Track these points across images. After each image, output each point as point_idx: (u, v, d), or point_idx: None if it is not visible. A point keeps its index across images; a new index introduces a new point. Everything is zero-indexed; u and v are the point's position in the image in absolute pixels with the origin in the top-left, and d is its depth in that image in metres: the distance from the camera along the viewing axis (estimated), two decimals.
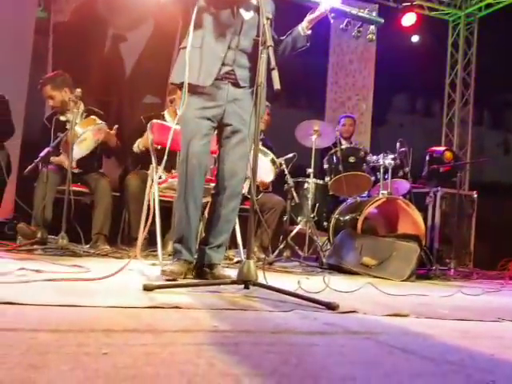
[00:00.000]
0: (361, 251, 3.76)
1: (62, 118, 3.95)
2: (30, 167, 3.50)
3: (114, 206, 3.94)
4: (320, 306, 1.76)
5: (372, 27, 2.52)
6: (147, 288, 1.86)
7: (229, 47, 2.36)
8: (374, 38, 2.54)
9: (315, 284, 2.30)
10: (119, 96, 5.80)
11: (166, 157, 2.44)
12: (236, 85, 2.41)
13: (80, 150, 3.67)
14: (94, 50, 5.63)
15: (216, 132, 2.51)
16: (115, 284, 1.99)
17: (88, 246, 3.67)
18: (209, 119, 2.39)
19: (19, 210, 4.27)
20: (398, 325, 1.61)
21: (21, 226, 3.48)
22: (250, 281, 1.92)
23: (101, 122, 3.69)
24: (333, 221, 4.46)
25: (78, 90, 3.81)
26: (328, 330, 1.46)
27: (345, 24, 2.53)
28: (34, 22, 5.36)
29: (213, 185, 2.60)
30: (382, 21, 2.53)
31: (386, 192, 4.27)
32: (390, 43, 6.58)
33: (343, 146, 4.77)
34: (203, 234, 2.58)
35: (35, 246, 3.26)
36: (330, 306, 1.75)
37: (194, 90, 2.35)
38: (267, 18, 2.06)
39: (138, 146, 4.00)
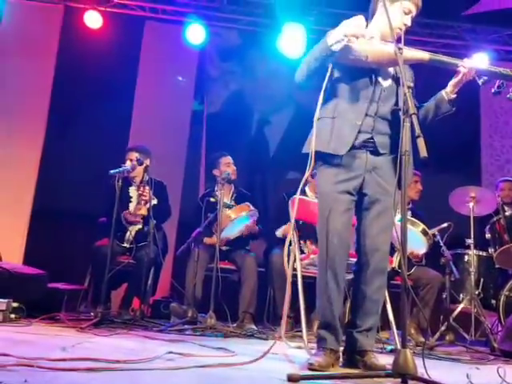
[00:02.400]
0: None
1: (212, 200, 4.16)
2: (182, 248, 3.71)
3: (260, 283, 3.94)
4: None
5: None
6: (292, 379, 1.70)
7: (366, 114, 2.27)
8: None
9: (488, 375, 1.95)
10: (263, 174, 6.05)
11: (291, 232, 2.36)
12: (375, 152, 2.28)
13: (232, 233, 3.85)
14: (241, 134, 6.03)
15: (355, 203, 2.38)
16: (259, 371, 1.90)
17: (235, 324, 3.67)
18: (348, 193, 2.27)
19: (174, 290, 4.48)
20: None
21: (173, 306, 3.62)
22: (409, 374, 1.68)
23: (253, 209, 3.83)
24: (502, 298, 3.91)
25: (226, 173, 4.04)
26: None
27: (496, 86, 2.32)
28: (191, 114, 5.92)
29: (354, 260, 2.41)
30: None
31: None
32: None
33: (507, 213, 4.27)
34: (349, 316, 2.39)
35: (185, 326, 3.33)
36: None
37: (330, 160, 2.27)
38: (408, 87, 1.96)
39: (280, 232, 4.04)
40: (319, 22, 5.57)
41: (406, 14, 2.30)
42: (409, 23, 2.33)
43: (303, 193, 4.01)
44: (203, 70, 6.08)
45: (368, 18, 2.40)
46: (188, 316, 3.47)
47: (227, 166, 4.27)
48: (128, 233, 4.04)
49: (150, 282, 3.92)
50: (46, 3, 5.62)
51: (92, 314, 3.39)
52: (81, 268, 4.28)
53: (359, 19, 2.19)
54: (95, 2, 5.52)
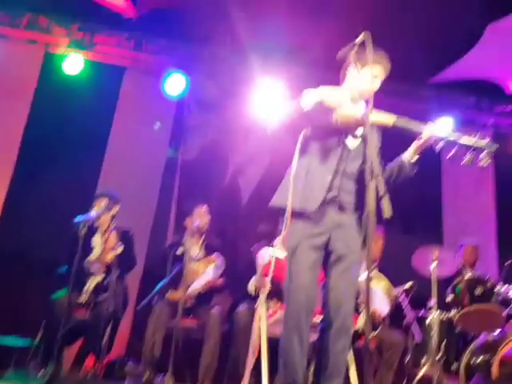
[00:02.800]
0: None
1: (180, 251, 4.08)
2: (143, 302, 3.60)
3: (223, 340, 3.84)
4: None
5: (484, 153, 2.39)
6: None
7: (334, 172, 2.35)
8: (487, 164, 2.40)
9: None
10: (235, 225, 6.03)
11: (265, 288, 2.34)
12: (341, 210, 2.36)
13: (197, 287, 3.78)
14: (215, 184, 6.03)
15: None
16: None
17: None
18: (316, 248, 2.31)
19: (132, 347, 4.30)
20: None
21: (129, 367, 3.47)
22: None
23: (220, 261, 3.83)
24: (463, 362, 3.91)
25: (197, 223, 4.00)
26: None
27: (454, 151, 2.42)
28: (165, 161, 5.91)
29: (320, 318, 2.40)
30: (496, 146, 2.41)
31: None
32: (509, 164, 6.24)
33: (467, 276, 4.35)
34: (313, 378, 2.35)
35: None
36: None
37: (299, 215, 2.31)
38: (376, 148, 2.05)
39: (251, 288, 3.97)
40: (294, 80, 5.75)
41: (375, 77, 2.43)
42: (377, 87, 2.46)
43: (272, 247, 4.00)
44: (180, 119, 6.13)
45: (339, 81, 2.53)
46: (144, 378, 3.32)
47: (201, 217, 4.22)
48: (87, 284, 3.91)
49: (106, 338, 3.76)
50: (27, 44, 5.60)
51: (42, 372, 3.21)
52: (34, 321, 4.08)
53: (333, 87, 2.32)
54: (76, 47, 5.54)
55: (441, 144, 2.39)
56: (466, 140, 2.37)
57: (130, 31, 5.62)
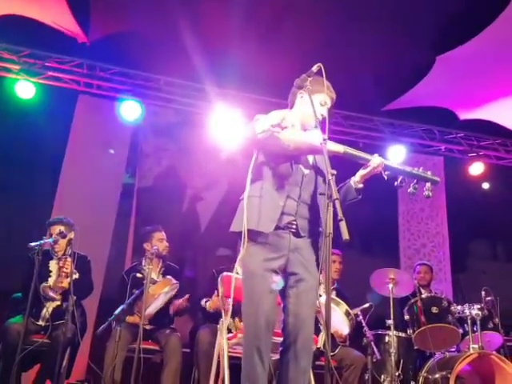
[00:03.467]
0: None
1: (139, 275, 4.06)
2: (103, 326, 3.53)
3: (184, 364, 3.79)
4: None
5: (428, 184, 2.51)
6: None
7: (288, 197, 2.39)
8: (431, 194, 2.51)
9: None
10: (194, 249, 6.01)
11: (228, 312, 2.35)
12: (296, 234, 2.40)
13: (152, 308, 3.75)
14: (172, 209, 6.02)
15: None
16: None
17: None
18: (275, 271, 2.33)
19: (91, 372, 4.18)
20: None
21: None
22: None
23: (175, 282, 3.79)
24: (421, 380, 4.02)
25: (155, 248, 4.00)
26: None
27: (399, 181, 2.54)
28: (121, 186, 5.88)
29: (280, 339, 2.41)
30: (439, 180, 2.54)
31: (476, 346, 3.87)
32: (460, 190, 6.54)
33: (423, 295, 4.49)
34: None
35: None
36: None
37: (256, 239, 2.34)
38: (332, 174, 2.10)
39: (207, 306, 3.98)
40: (249, 107, 5.88)
41: (322, 105, 2.52)
42: (325, 114, 2.53)
43: (234, 270, 4.01)
44: (136, 145, 6.12)
45: (287, 107, 2.61)
46: None
47: (160, 242, 4.21)
48: (44, 309, 3.80)
49: (65, 363, 3.65)
50: None
51: None
52: None
53: (284, 112, 2.38)
54: (28, 73, 5.50)
55: (388, 173, 2.51)
56: (411, 170, 2.50)
57: (83, 57, 5.62)
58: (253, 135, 2.31)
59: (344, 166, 2.44)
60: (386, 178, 2.51)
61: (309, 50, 4.67)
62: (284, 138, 2.29)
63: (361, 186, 2.49)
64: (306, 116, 2.50)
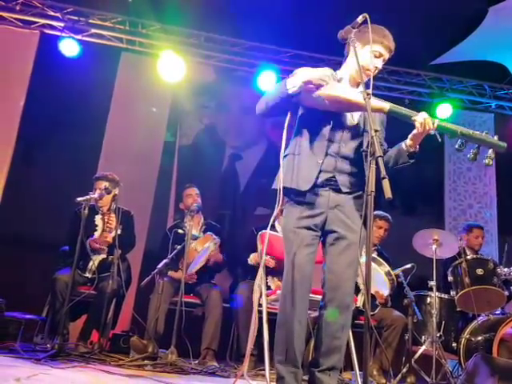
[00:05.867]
0: (499, 380, 3.22)
1: (180, 231, 4.14)
2: (146, 279, 3.63)
3: (224, 319, 3.88)
4: None
5: (490, 151, 2.25)
6: None
7: (327, 154, 2.32)
8: (492, 163, 2.27)
9: None
10: (233, 209, 6.06)
11: (261, 268, 2.35)
12: (338, 191, 2.33)
13: (197, 265, 3.82)
14: (212, 168, 6.06)
15: (321, 240, 2.39)
16: None
17: (197, 361, 3.59)
18: (310, 228, 2.30)
19: (136, 323, 4.36)
20: None
21: (133, 340, 3.51)
22: None
23: (216, 237, 3.82)
24: (463, 341, 3.95)
25: (195, 205, 4.04)
26: None
27: (458, 145, 2.29)
28: (163, 144, 5.94)
29: (319, 297, 2.41)
30: (505, 145, 2.22)
31: None
32: (510, 149, 6.22)
33: (468, 257, 4.37)
34: (313, 355, 2.36)
35: (145, 361, 3.24)
36: None
37: (294, 197, 2.31)
38: (375, 130, 2.00)
39: (251, 259, 4.03)
40: (292, 63, 5.74)
41: (376, 57, 2.36)
42: (379, 66, 2.39)
43: (273, 228, 4.02)
44: (177, 103, 6.13)
45: (329, 62, 2.49)
46: (148, 351, 3.37)
47: (188, 198, 4.28)
48: (91, 262, 3.94)
49: (110, 314, 3.81)
50: (21, 28, 5.60)
51: (48, 345, 3.26)
52: (39, 297, 4.14)
53: (324, 70, 2.27)
54: (72, 30, 5.54)
55: (440, 135, 2.25)
56: (474, 134, 2.21)
57: (125, 15, 5.58)
58: (284, 90, 2.22)
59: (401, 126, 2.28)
60: (439, 139, 2.26)
61: (355, 3, 4.46)
62: (319, 93, 2.19)
63: (413, 149, 2.26)
64: (353, 69, 2.37)
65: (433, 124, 2.19)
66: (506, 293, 4.09)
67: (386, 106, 2.24)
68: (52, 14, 5.53)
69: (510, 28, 5.26)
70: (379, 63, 2.39)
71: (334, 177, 2.32)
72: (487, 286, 4.06)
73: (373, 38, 2.29)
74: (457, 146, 2.30)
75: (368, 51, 2.33)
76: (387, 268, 3.85)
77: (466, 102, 6.39)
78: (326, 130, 2.34)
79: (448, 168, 6.60)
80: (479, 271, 4.16)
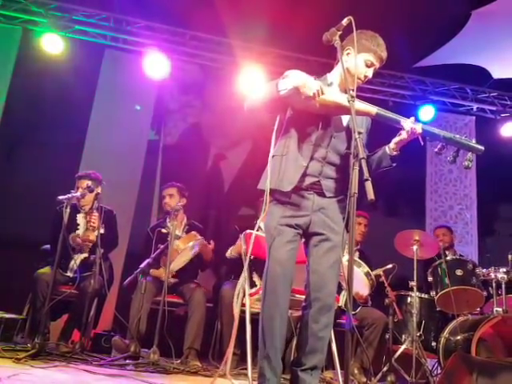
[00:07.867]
0: (477, 378, 3.28)
1: (164, 231, 4.12)
2: (129, 279, 3.63)
3: (207, 318, 3.89)
4: None
5: (470, 154, 2.30)
6: None
7: (312, 158, 2.34)
8: (471, 165, 2.30)
9: None
10: (217, 209, 6.06)
11: (246, 265, 2.37)
12: (322, 195, 2.36)
13: (178, 263, 3.81)
14: (197, 167, 6.04)
15: (304, 241, 2.42)
16: None
17: (179, 361, 3.58)
18: (292, 226, 2.32)
19: (117, 322, 4.34)
20: None
21: (115, 340, 3.50)
22: None
23: (200, 237, 3.82)
24: (442, 341, 4.00)
25: (179, 205, 4.04)
26: None
27: (438, 148, 2.33)
28: (147, 143, 5.90)
29: (302, 297, 2.44)
30: (483, 149, 2.29)
31: (500, 309, 3.83)
32: (491, 151, 6.32)
33: (448, 258, 4.44)
34: (295, 354, 2.38)
35: (127, 361, 3.23)
36: None
37: (278, 198, 2.34)
38: (359, 133, 2.02)
39: (230, 252, 4.05)
40: (276, 63, 5.76)
41: (368, 66, 2.39)
42: (370, 75, 2.42)
43: (258, 228, 4.03)
44: (162, 102, 6.10)
45: (315, 64, 2.50)
46: (130, 351, 3.36)
47: (169, 198, 4.25)
48: (72, 261, 3.91)
49: (92, 313, 3.78)
50: (3, 23, 5.52)
51: (29, 345, 3.23)
52: (20, 296, 4.09)
53: (317, 80, 2.25)
54: (55, 25, 5.48)
55: (428, 139, 2.33)
56: (453, 137, 2.28)
57: (110, 11, 5.53)
58: (275, 91, 2.23)
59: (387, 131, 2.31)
60: (422, 143, 2.31)
61: (339, 2, 4.49)
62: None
63: (396, 153, 2.34)
64: (346, 74, 2.31)
65: (419, 130, 2.25)
66: (485, 293, 4.17)
67: (374, 110, 2.29)
68: (35, 9, 5.45)
69: (492, 32, 5.34)
70: (370, 73, 2.42)
71: (319, 181, 2.35)
72: (466, 286, 4.13)
73: (367, 46, 2.35)
74: (436, 150, 2.34)
75: (362, 60, 2.37)
76: (366, 269, 3.91)
77: (448, 104, 6.49)
78: (314, 133, 2.36)
79: (429, 170, 6.69)
80: (459, 272, 4.22)
